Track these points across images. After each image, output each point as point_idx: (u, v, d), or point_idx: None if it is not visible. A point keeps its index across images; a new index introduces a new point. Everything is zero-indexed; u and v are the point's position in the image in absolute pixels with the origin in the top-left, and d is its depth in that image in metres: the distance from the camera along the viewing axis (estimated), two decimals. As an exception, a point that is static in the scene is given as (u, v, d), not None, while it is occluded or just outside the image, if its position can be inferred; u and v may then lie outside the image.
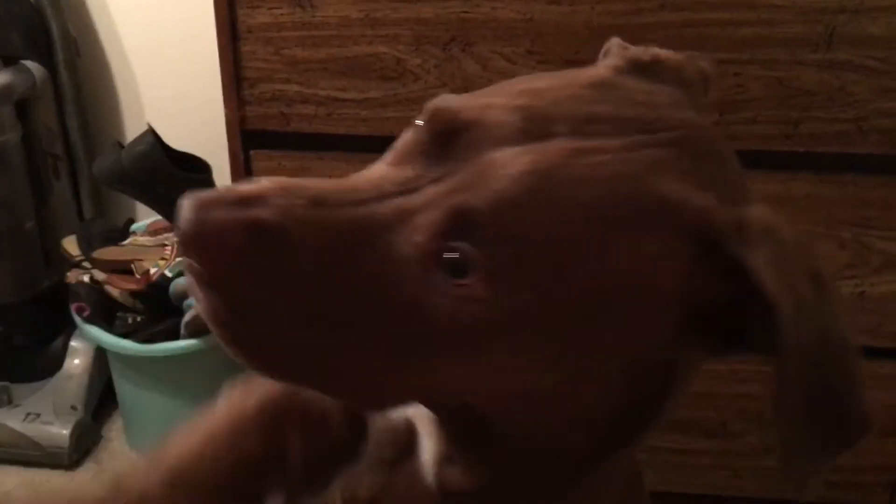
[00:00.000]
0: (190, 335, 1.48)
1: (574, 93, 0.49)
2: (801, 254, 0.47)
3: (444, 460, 0.55)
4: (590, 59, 1.09)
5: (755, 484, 1.37)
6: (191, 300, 1.47)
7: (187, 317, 1.46)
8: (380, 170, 0.48)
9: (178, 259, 1.52)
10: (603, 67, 0.54)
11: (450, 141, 0.46)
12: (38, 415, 1.65)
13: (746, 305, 0.45)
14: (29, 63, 1.60)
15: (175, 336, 1.49)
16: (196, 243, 0.42)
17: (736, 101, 1.14)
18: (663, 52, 0.55)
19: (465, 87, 1.15)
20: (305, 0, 1.14)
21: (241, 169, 1.24)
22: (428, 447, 0.56)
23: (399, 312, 0.44)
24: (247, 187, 0.44)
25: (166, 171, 1.48)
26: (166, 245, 1.57)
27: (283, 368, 0.49)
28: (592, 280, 0.44)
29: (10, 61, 1.58)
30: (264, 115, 1.21)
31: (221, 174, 1.33)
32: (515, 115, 0.46)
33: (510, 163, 0.43)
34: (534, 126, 0.45)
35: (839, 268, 1.21)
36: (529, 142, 0.44)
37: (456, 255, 0.43)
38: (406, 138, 0.48)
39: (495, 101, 0.48)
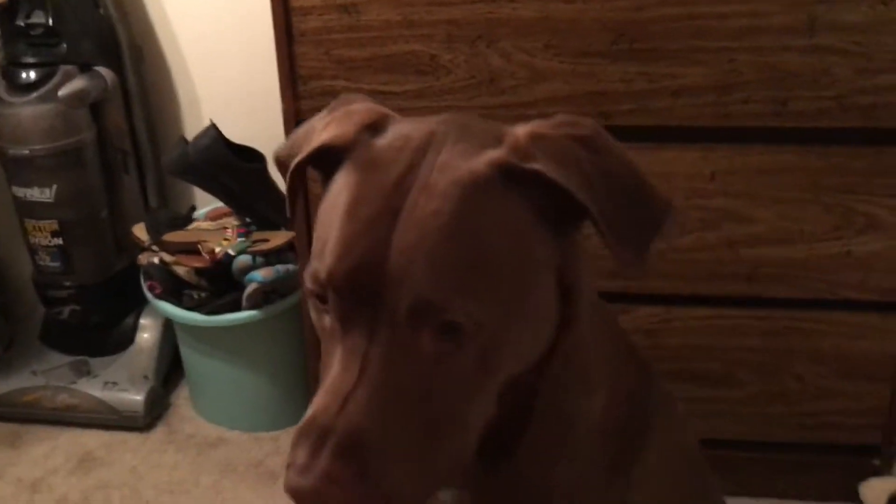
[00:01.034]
0: (251, 307, 1.66)
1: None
2: (564, 133, 0.63)
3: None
4: (600, 51, 1.25)
5: (757, 429, 1.52)
6: (252, 274, 1.64)
7: (248, 290, 1.63)
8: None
9: (238, 240, 1.70)
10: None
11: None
12: (115, 383, 1.83)
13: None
14: (101, 69, 1.76)
15: (237, 308, 1.67)
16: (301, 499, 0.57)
17: (730, 84, 1.28)
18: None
19: (491, 79, 1.31)
20: (351, 6, 1.30)
21: (297, 155, 1.41)
22: None
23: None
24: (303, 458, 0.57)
25: (228, 162, 1.65)
26: (227, 228, 1.74)
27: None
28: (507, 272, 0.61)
29: (84, 68, 1.74)
30: (316, 108, 1.33)
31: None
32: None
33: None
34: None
35: (826, 230, 1.35)
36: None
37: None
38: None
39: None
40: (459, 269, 0.58)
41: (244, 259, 1.65)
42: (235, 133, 1.73)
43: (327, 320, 0.63)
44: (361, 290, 0.59)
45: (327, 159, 0.67)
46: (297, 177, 0.72)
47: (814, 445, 1.53)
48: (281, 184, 1.70)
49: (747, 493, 1.58)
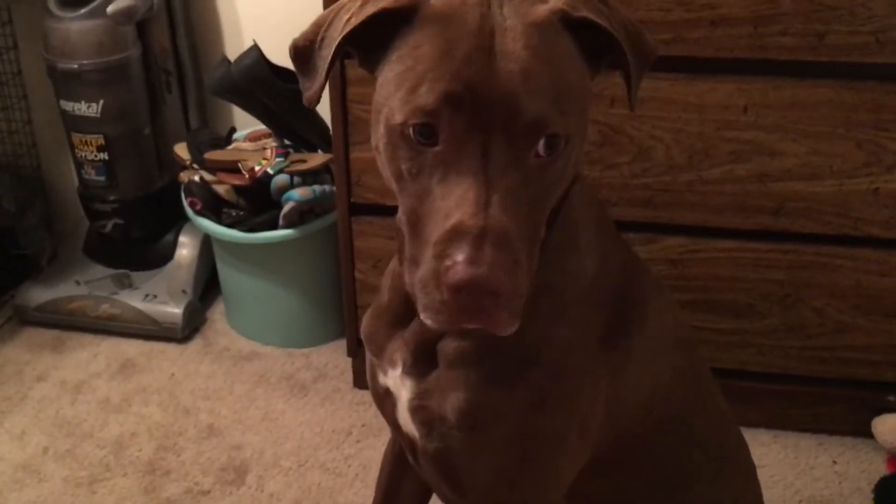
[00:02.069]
0: (287, 226, 1.71)
1: None
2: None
3: None
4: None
5: (776, 361, 1.55)
6: (289, 193, 1.69)
7: (286, 209, 1.68)
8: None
9: (277, 160, 1.74)
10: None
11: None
12: (155, 296, 1.91)
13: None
14: (147, -12, 1.81)
15: (274, 226, 1.72)
16: (479, 291, 0.66)
17: (767, 16, 1.29)
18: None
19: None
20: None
21: (338, 76, 1.44)
22: None
23: None
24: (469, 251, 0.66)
25: (269, 82, 1.69)
26: (266, 148, 1.79)
27: None
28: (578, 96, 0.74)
29: (131, -14, 1.79)
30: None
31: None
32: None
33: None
34: None
35: (856, 166, 1.37)
36: None
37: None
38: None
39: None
40: (555, 91, 0.70)
41: (282, 178, 1.69)
42: (277, 55, 1.76)
43: (430, 151, 0.69)
44: (478, 104, 0.67)
45: (372, 30, 0.73)
46: (337, 57, 0.76)
47: (831, 380, 1.57)
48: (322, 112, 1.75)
49: (765, 425, 1.63)
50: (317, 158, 1.73)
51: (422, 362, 0.88)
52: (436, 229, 0.68)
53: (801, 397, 1.61)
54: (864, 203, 1.40)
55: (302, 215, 1.72)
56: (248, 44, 1.75)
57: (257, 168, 1.70)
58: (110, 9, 1.73)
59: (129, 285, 1.95)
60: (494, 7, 0.70)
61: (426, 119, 0.69)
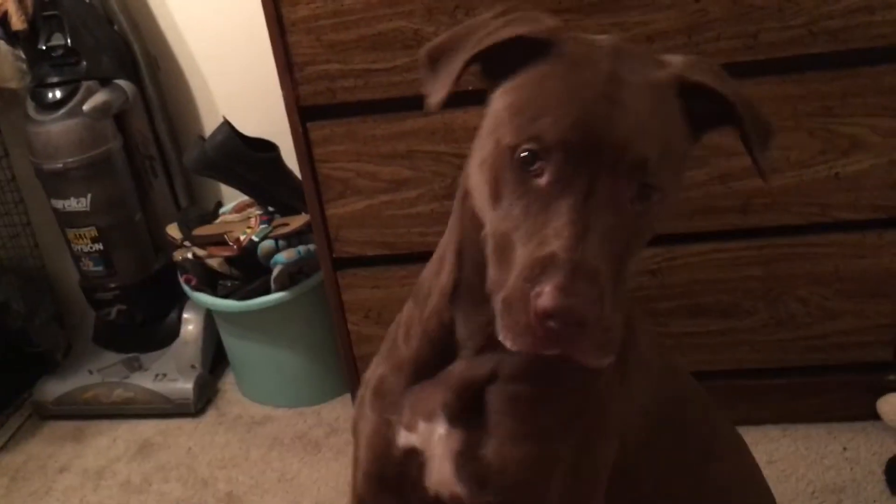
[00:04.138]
0: (279, 289, 1.76)
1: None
2: (706, 62, 0.81)
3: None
4: (573, 6, 1.30)
5: (772, 355, 1.56)
6: (276, 258, 1.74)
7: (275, 273, 1.73)
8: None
9: (261, 227, 1.80)
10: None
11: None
12: (165, 374, 1.96)
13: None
14: (120, 82, 1.88)
15: (267, 291, 1.77)
16: (566, 319, 0.68)
17: (700, 24, 1.33)
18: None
19: (473, 45, 1.38)
20: (334, -8, 1.39)
21: (301, 139, 1.49)
22: None
23: None
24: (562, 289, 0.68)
25: (242, 154, 1.75)
26: (250, 217, 1.84)
27: None
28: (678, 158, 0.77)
29: (105, 82, 1.86)
30: (314, 92, 1.46)
31: (286, 145, 1.58)
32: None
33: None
34: None
35: (812, 154, 1.39)
36: None
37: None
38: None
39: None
40: (661, 145, 0.73)
41: (267, 244, 1.75)
42: (250, 126, 1.83)
43: (535, 182, 0.72)
44: (589, 149, 0.71)
45: (500, 52, 0.77)
46: (466, 67, 0.79)
47: (829, 367, 1.57)
48: (295, 169, 1.79)
49: (772, 421, 1.64)
50: (298, 220, 1.78)
51: (467, 413, 0.87)
52: (528, 254, 0.71)
53: (804, 388, 1.61)
54: (827, 189, 1.42)
55: (292, 277, 1.76)
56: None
57: (242, 237, 1.76)
58: (86, 106, 1.80)
59: (140, 367, 2.00)
60: (620, 62, 0.75)
61: (538, 147, 0.72)
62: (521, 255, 0.71)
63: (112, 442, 1.90)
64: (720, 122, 0.80)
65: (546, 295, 0.67)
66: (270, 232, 1.77)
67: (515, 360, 0.85)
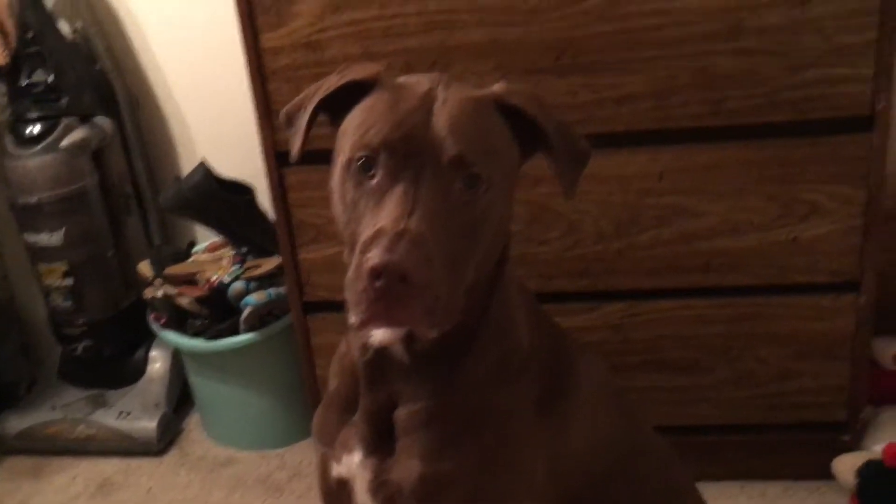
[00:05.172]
0: (248, 329, 1.77)
1: None
2: (526, 90, 0.93)
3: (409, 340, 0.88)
4: (546, 67, 1.35)
5: (730, 412, 1.59)
6: (246, 299, 1.76)
7: (245, 314, 1.75)
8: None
9: (232, 268, 1.81)
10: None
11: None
12: (129, 413, 1.95)
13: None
14: (100, 119, 1.91)
15: (236, 332, 1.78)
16: (390, 274, 0.76)
17: (668, 89, 1.38)
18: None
19: (448, 100, 1.42)
20: (315, 44, 1.42)
21: (277, 184, 1.52)
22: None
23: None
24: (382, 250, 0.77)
25: (218, 196, 1.78)
26: (222, 258, 1.86)
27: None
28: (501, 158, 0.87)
29: (84, 119, 1.88)
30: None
31: (263, 187, 1.61)
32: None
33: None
34: None
35: (773, 218, 1.44)
36: None
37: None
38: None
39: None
40: (479, 142, 0.84)
41: (238, 285, 1.76)
42: (227, 168, 1.85)
43: (370, 183, 0.83)
44: (412, 149, 0.82)
45: (340, 99, 0.90)
46: (314, 116, 0.93)
47: (785, 426, 1.61)
48: (270, 213, 1.82)
49: (731, 477, 1.66)
50: (270, 262, 1.80)
51: (380, 440, 0.94)
52: (364, 236, 0.80)
53: (762, 446, 1.64)
54: (786, 252, 1.46)
55: (262, 319, 1.78)
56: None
57: (213, 278, 1.77)
58: (64, 143, 1.82)
59: (104, 404, 1.99)
60: (441, 87, 0.87)
61: (369, 153, 0.83)
62: (360, 239, 0.81)
63: (72, 480, 1.88)
64: (544, 147, 0.91)
65: (373, 257, 0.76)
66: (242, 273, 1.79)
67: (409, 379, 0.92)
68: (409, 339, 0.90)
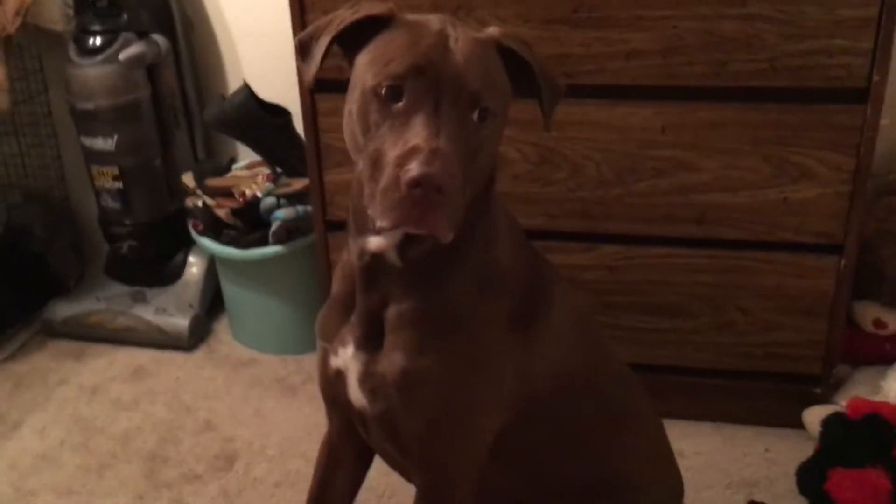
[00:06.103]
0: (276, 242, 1.92)
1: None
2: (526, 41, 1.03)
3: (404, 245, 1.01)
4: (563, 18, 1.44)
5: (711, 357, 1.70)
6: (276, 213, 1.90)
7: (273, 227, 1.90)
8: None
9: (266, 185, 1.96)
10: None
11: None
12: (165, 310, 2.13)
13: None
14: (156, 36, 2.04)
15: (265, 244, 1.93)
16: (429, 184, 0.87)
17: (675, 48, 1.47)
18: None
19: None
20: (352, -20, 1.53)
21: (309, 109, 1.65)
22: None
23: None
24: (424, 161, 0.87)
25: (257, 116, 1.91)
26: (258, 175, 2.00)
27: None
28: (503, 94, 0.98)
29: (142, 35, 2.02)
30: (325, 67, 1.60)
31: (297, 112, 1.73)
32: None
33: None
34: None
35: (766, 178, 1.53)
36: None
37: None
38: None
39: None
40: (486, 81, 0.95)
41: (269, 200, 1.91)
42: (268, 91, 1.98)
43: (394, 107, 0.92)
44: (433, 79, 0.91)
45: (354, 33, 0.99)
46: (329, 47, 1.00)
47: (762, 374, 1.71)
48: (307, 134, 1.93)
49: (709, 418, 1.78)
50: (300, 182, 1.94)
51: (371, 337, 1.05)
52: (397, 152, 0.89)
53: (738, 391, 1.75)
54: (777, 211, 1.55)
55: (289, 233, 1.92)
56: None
57: (248, 192, 1.92)
58: (122, 56, 1.97)
59: (143, 300, 2.17)
60: (449, 27, 0.97)
61: (396, 82, 0.92)
62: (392, 155, 0.90)
63: (109, 364, 2.07)
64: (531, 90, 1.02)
65: (413, 169, 0.86)
66: (274, 190, 1.93)
67: (399, 282, 1.03)
68: (402, 246, 1.01)
